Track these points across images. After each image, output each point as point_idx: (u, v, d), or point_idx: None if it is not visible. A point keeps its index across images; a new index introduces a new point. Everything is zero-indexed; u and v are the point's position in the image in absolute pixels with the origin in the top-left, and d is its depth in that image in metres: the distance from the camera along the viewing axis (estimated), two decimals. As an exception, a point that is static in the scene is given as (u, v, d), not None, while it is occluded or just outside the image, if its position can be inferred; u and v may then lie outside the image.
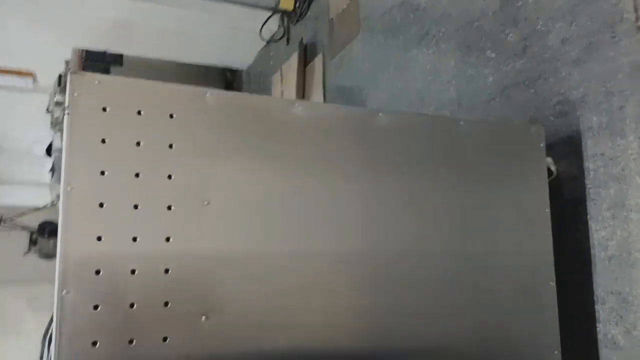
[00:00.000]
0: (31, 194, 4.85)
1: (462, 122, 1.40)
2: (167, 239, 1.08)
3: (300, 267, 1.17)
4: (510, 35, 1.82)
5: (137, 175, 1.08)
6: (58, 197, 1.05)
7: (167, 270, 1.06)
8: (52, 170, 5.19)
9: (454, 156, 1.39)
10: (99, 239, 1.03)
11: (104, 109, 1.07)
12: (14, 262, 3.99)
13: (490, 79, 1.92)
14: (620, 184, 1.43)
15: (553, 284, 1.42)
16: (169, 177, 1.10)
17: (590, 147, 1.52)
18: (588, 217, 1.52)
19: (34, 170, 5.89)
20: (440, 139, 1.37)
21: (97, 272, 1.01)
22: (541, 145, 1.49)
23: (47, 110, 5.10)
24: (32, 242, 4.12)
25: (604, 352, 1.45)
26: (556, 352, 1.40)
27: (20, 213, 4.06)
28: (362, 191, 1.27)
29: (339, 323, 1.19)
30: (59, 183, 1.01)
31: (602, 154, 1.49)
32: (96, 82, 1.07)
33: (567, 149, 1.59)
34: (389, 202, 1.29)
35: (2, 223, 4.01)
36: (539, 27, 1.72)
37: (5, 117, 5.52)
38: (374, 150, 1.30)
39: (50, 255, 4.03)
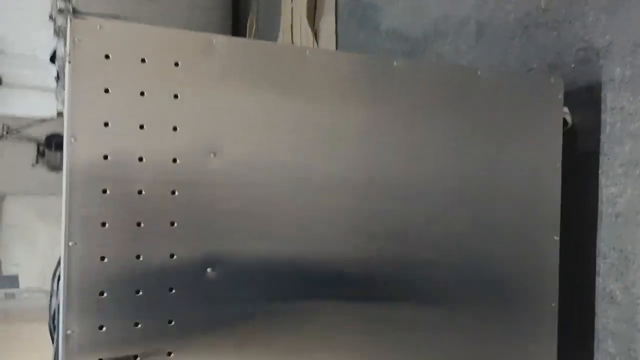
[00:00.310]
0: (37, 101, 4.79)
1: (479, 72, 1.35)
2: (172, 192, 1.07)
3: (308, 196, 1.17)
4: (538, -30, 1.71)
5: (141, 127, 1.05)
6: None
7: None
8: (57, 77, 5.11)
9: (469, 105, 1.35)
10: (104, 191, 1.02)
11: (107, 57, 1.02)
12: (23, 174, 4.02)
13: (512, 15, 1.82)
14: (636, 141, 1.40)
15: (557, 238, 1.43)
16: (174, 128, 1.07)
17: (610, 99, 1.47)
18: (600, 171, 1.49)
19: (38, 75, 5.80)
20: (457, 88, 1.32)
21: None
22: (559, 97, 1.44)
23: (50, 17, 4.94)
24: (40, 154, 4.14)
25: (600, 305, 1.48)
26: (553, 304, 1.43)
27: (26, 124, 4.05)
28: (370, 131, 1.24)
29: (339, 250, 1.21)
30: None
31: (622, 108, 1.44)
32: (98, 27, 1.02)
33: (585, 99, 1.54)
34: (396, 142, 1.27)
35: (8, 134, 4.01)
36: (567, -36, 1.61)
37: (6, 21, 5.36)
38: (386, 95, 1.26)
39: (58, 167, 4.05)
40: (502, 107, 1.38)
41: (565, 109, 1.51)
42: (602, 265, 1.48)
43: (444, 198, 1.32)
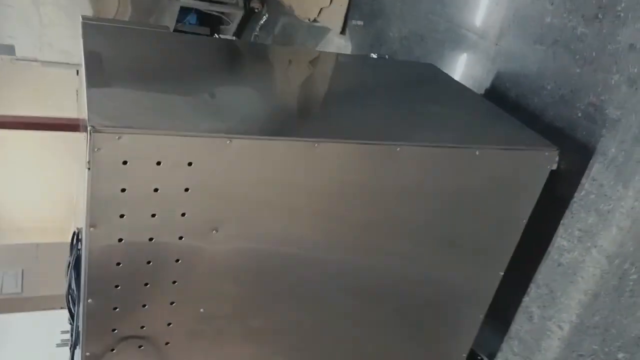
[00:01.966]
0: None
1: (477, 152, 1.40)
2: (177, 260, 1.23)
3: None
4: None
5: (153, 215, 1.16)
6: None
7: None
8: None
9: (462, 180, 1.44)
10: (118, 264, 1.18)
11: (124, 162, 1.08)
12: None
13: (548, 19, 1.71)
14: (600, 219, 1.53)
15: (501, 273, 1.65)
16: (183, 214, 1.18)
17: (595, 170, 1.55)
18: (562, 221, 1.65)
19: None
20: (454, 169, 1.40)
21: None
22: (548, 167, 1.51)
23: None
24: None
25: (520, 317, 1.79)
26: (481, 316, 1.73)
27: None
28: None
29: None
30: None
31: (601, 185, 1.54)
32: (117, 137, 1.05)
33: (578, 150, 1.60)
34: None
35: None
36: (619, 10, 1.49)
37: None
38: (388, 182, 1.35)
39: None
40: (492, 180, 1.46)
41: (557, 156, 1.58)
42: (533, 291, 1.75)
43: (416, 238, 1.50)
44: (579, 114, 1.61)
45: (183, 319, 1.32)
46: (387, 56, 2.03)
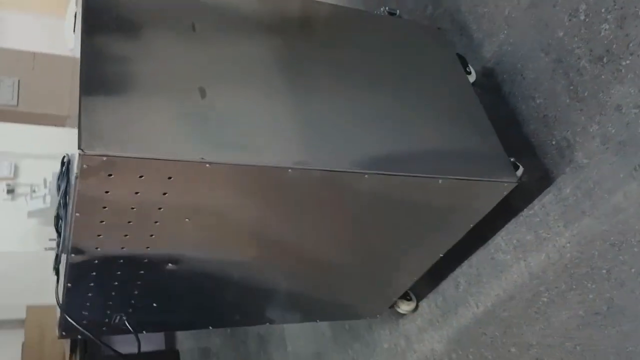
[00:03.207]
0: None
1: (440, 182, 1.50)
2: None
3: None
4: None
5: (125, 235, 1.30)
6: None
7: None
8: None
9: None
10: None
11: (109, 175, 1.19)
12: None
13: (561, 34, 1.67)
14: (535, 240, 1.71)
15: (441, 255, 1.87)
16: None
17: (548, 200, 1.68)
18: (505, 226, 1.82)
19: None
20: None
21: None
22: (504, 193, 1.63)
23: None
24: None
25: (448, 282, 2.05)
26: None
27: None
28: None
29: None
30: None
31: (547, 214, 1.68)
32: (104, 158, 1.14)
33: (537, 173, 1.71)
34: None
35: None
36: (622, 65, 1.48)
37: None
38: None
39: None
40: (444, 202, 1.59)
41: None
42: (465, 267, 1.98)
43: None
44: (553, 142, 1.68)
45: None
46: (397, 12, 1.95)
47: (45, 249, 1.82)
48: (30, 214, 7.00)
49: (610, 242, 1.49)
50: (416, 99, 1.71)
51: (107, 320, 1.69)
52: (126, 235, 1.37)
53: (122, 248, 1.40)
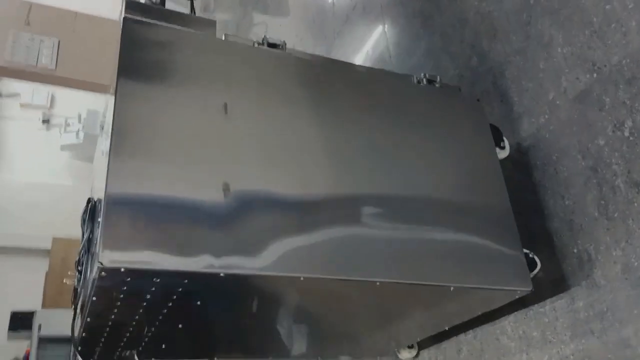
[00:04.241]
0: None
1: (452, 289, 1.50)
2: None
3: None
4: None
5: (147, 300, 1.34)
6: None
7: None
8: None
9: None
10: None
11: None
12: None
13: (602, 142, 1.60)
14: (540, 341, 1.72)
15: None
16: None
17: (558, 305, 1.67)
18: (514, 313, 1.82)
19: None
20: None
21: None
22: (516, 296, 1.62)
23: None
24: None
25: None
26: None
27: None
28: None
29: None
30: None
31: (556, 319, 1.68)
32: (121, 270, 1.17)
33: (553, 273, 1.70)
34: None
35: None
36: (657, 202, 1.43)
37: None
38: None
39: None
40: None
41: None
42: (469, 337, 2.01)
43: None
44: (575, 250, 1.65)
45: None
46: (438, 78, 1.87)
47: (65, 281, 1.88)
48: (63, 148, 7.19)
49: (613, 372, 1.49)
50: (438, 180, 1.67)
51: (118, 353, 1.78)
52: (141, 310, 1.41)
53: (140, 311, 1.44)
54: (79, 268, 1.65)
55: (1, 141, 6.94)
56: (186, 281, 1.28)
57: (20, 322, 5.41)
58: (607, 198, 1.57)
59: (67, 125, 7.13)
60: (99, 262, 1.15)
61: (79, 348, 1.69)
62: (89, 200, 1.58)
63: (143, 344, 1.72)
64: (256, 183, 1.41)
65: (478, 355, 1.97)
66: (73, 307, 1.74)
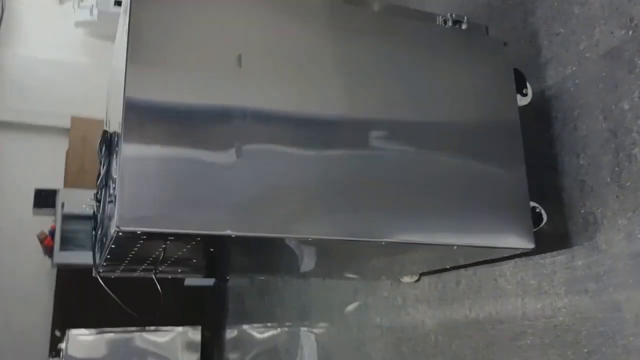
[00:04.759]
0: None
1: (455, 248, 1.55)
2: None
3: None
4: None
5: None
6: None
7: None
8: None
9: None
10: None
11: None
12: None
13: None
14: (538, 291, 1.80)
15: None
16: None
17: (559, 260, 1.72)
18: (515, 259, 1.89)
19: None
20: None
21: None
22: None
23: None
24: None
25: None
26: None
27: None
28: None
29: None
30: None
31: (554, 273, 1.74)
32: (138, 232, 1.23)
33: (558, 234, 1.74)
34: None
35: None
36: None
37: None
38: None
39: None
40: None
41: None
42: (469, 272, 2.10)
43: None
44: (582, 210, 1.67)
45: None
46: (465, 19, 1.76)
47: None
48: (78, 24, 7.02)
49: (600, 331, 1.58)
50: (450, 122, 1.65)
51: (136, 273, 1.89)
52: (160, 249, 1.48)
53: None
54: (98, 197, 1.71)
55: (15, 16, 6.79)
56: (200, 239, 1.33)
57: (44, 199, 5.64)
58: (622, 165, 1.56)
59: (81, 0, 6.91)
60: (115, 226, 1.20)
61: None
62: (104, 132, 1.60)
63: (160, 268, 1.83)
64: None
65: (475, 290, 2.07)
66: (93, 232, 1.82)
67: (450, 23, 1.77)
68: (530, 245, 1.63)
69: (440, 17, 1.77)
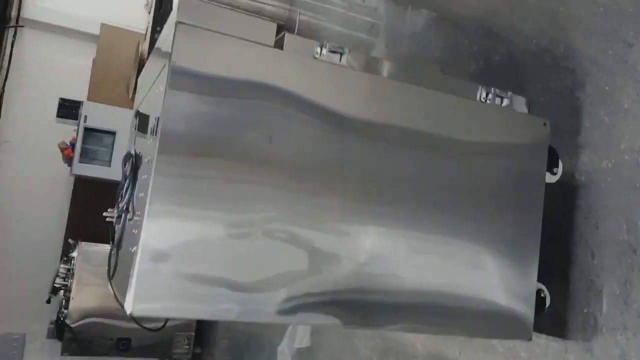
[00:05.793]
0: None
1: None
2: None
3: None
4: None
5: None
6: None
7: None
8: None
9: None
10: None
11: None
12: None
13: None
14: None
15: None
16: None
17: (552, 346, 1.77)
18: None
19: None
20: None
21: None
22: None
23: None
24: None
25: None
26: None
27: None
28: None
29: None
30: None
31: (545, 356, 1.79)
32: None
33: (557, 321, 1.77)
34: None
35: None
36: None
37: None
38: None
39: None
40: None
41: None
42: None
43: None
44: (585, 310, 1.70)
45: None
46: (509, 94, 1.67)
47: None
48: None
49: None
50: (472, 197, 1.64)
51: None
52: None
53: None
54: (118, 210, 1.75)
55: None
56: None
57: (67, 110, 5.68)
58: (634, 285, 1.56)
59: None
60: (130, 312, 1.25)
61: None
62: (128, 154, 1.62)
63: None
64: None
65: (468, 338, 2.14)
66: (111, 241, 1.88)
67: (491, 97, 1.70)
68: (528, 339, 1.67)
69: (481, 89, 1.70)
